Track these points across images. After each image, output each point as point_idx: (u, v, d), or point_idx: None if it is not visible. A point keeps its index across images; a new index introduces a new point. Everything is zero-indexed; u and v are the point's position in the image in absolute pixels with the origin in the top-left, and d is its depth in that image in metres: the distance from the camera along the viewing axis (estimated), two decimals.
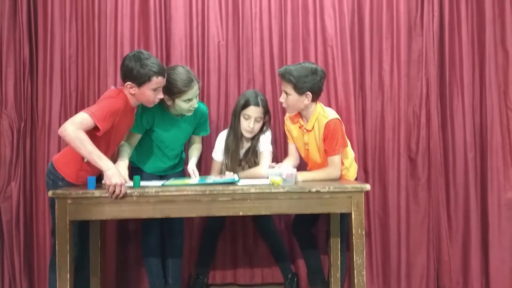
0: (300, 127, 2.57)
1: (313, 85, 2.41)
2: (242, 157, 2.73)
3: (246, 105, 2.63)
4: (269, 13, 2.93)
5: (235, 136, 2.68)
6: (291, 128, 2.63)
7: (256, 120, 2.64)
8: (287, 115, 2.65)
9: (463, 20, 2.97)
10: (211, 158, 2.81)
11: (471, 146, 2.96)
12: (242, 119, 2.65)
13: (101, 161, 2.08)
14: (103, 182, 2.11)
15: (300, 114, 2.57)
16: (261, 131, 2.70)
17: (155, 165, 2.66)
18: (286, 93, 2.45)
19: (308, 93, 2.41)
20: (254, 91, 2.73)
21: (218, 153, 2.75)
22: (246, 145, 2.73)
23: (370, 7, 2.97)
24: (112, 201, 2.05)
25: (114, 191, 2.03)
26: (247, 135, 2.67)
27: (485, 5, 2.97)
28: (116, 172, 2.06)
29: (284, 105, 2.52)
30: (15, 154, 2.85)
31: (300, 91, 2.41)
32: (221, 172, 2.74)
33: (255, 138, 2.70)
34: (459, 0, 2.98)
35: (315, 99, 2.47)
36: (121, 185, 2.03)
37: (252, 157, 2.70)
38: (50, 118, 2.87)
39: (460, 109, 2.97)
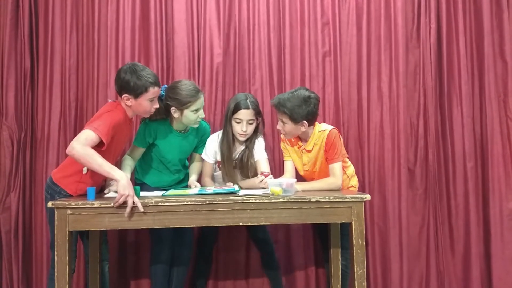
0: (298, 148, 2.58)
1: (308, 113, 2.42)
2: (237, 161, 2.66)
3: (236, 109, 2.57)
4: (267, 25, 2.96)
5: (227, 141, 2.62)
6: (289, 148, 2.63)
7: (248, 123, 2.58)
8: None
9: (460, 32, 2.99)
10: None
11: (470, 156, 2.96)
12: (234, 123, 2.60)
13: (114, 171, 2.09)
14: (106, 191, 2.10)
15: (298, 137, 2.57)
16: (255, 133, 2.66)
17: (160, 179, 2.66)
18: (283, 122, 2.47)
19: (304, 121, 2.43)
20: (244, 94, 2.68)
21: (209, 155, 2.68)
22: (239, 148, 2.67)
23: (367, 19, 2.99)
24: (112, 211, 2.03)
25: (123, 202, 2.02)
26: (241, 138, 2.62)
27: (483, 17, 2.99)
28: (129, 184, 2.06)
29: (282, 132, 2.53)
30: (15, 164, 2.84)
31: (295, 121, 2.43)
32: (213, 173, 2.71)
33: (251, 141, 2.65)
34: (457, 13, 3.01)
35: (311, 124, 2.49)
36: (132, 197, 2.03)
37: (248, 162, 2.63)
38: (49, 129, 2.88)
39: (459, 119, 2.97)
